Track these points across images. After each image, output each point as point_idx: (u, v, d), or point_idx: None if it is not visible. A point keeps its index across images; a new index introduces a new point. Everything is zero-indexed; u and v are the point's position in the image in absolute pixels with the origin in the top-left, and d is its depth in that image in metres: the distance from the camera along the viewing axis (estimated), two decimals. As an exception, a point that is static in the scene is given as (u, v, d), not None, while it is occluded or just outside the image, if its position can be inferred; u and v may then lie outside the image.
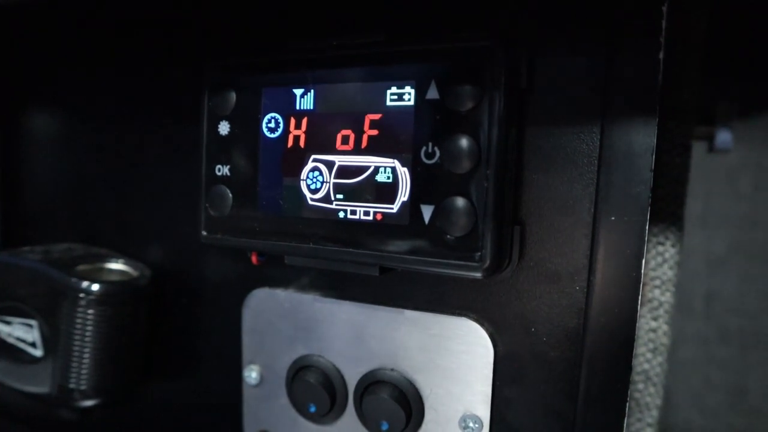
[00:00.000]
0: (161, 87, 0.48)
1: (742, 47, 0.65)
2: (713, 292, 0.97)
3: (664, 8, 0.30)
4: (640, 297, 0.33)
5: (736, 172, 0.94)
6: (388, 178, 0.34)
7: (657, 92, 0.32)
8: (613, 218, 0.32)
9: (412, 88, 0.33)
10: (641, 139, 0.32)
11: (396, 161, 0.34)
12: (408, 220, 0.34)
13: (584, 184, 0.33)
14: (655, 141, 0.32)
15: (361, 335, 0.40)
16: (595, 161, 0.33)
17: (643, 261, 0.33)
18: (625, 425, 0.34)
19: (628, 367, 0.33)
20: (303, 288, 0.43)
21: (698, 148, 0.63)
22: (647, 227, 0.32)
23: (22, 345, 0.47)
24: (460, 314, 0.37)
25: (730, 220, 0.95)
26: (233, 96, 0.39)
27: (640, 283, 0.33)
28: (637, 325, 0.49)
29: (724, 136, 0.50)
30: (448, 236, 0.33)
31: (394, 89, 0.34)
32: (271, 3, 0.41)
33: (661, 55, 0.30)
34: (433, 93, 0.33)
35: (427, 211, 0.33)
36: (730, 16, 0.58)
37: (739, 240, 0.95)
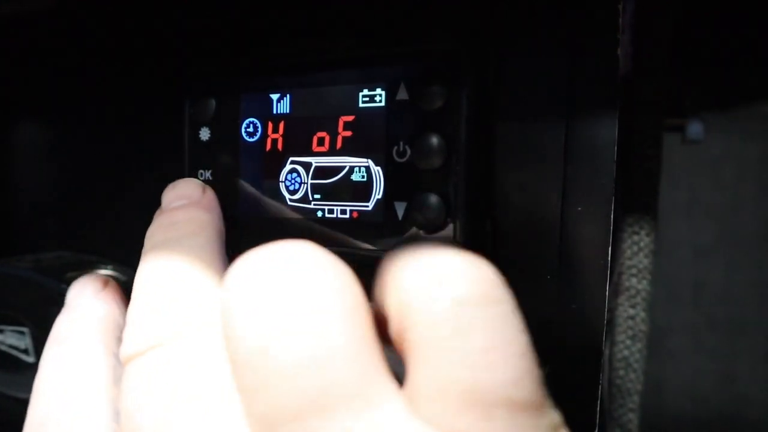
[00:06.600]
0: (145, 97, 0.49)
1: (713, 39, 0.67)
2: (701, 282, 0.98)
3: (620, 6, 0.31)
4: (608, 284, 0.34)
5: (718, 162, 0.95)
6: (363, 177, 0.35)
7: (617, 87, 0.33)
8: (579, 209, 0.34)
9: (382, 89, 0.35)
10: (604, 133, 0.33)
11: (370, 161, 0.35)
12: (383, 217, 0.35)
13: (552, 178, 0.34)
14: (617, 134, 0.33)
15: (344, 331, 0.41)
16: (562, 155, 0.34)
17: (610, 249, 0.34)
18: (598, 410, 0.35)
19: (598, 352, 0.34)
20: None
21: (675, 141, 0.64)
22: (612, 216, 0.33)
23: (15, 352, 0.48)
24: (438, 307, 0.38)
25: (715, 210, 0.96)
26: (213, 103, 0.40)
27: (607, 270, 0.34)
28: (615, 312, 0.50)
29: (695, 127, 0.51)
30: (422, 231, 0.34)
31: (366, 91, 0.35)
32: (246, 13, 0.42)
33: (618, 52, 0.32)
34: (402, 94, 0.34)
35: (400, 208, 0.34)
36: (700, 6, 0.59)
37: (725, 229, 0.97)
